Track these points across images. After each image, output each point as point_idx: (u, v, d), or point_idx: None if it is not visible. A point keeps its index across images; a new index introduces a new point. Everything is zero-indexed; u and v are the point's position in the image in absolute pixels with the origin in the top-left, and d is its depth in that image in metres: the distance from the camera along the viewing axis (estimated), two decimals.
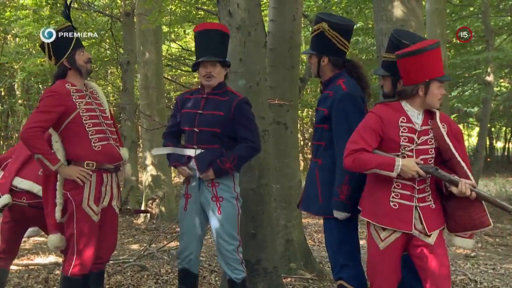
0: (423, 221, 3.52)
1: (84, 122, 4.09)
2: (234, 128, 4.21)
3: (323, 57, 4.18)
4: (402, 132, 3.55)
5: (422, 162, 3.51)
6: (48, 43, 4.17)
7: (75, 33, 4.23)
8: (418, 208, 3.54)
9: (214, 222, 4.21)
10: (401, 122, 3.56)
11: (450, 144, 3.49)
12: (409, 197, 3.55)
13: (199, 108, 4.26)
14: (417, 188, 3.55)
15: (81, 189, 4.02)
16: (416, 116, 3.57)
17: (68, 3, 4.43)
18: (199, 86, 4.42)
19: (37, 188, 4.48)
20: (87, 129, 4.09)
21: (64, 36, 4.18)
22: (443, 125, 3.52)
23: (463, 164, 3.47)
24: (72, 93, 4.11)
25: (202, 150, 4.20)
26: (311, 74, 4.47)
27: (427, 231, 3.51)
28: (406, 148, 3.54)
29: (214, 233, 4.24)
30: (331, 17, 4.25)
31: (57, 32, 4.18)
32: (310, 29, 10.87)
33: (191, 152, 4.25)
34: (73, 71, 4.18)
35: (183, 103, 4.39)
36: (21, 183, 4.50)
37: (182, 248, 4.32)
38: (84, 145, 4.06)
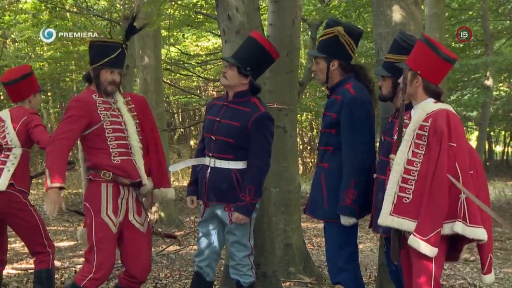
0: None
1: (107, 135, 4.02)
2: (249, 140, 4.16)
3: (334, 61, 4.19)
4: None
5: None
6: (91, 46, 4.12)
7: (118, 52, 4.07)
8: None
9: (227, 231, 4.23)
10: None
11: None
12: None
13: (218, 116, 4.22)
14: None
15: (99, 199, 3.97)
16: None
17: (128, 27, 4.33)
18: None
19: None
20: (109, 143, 4.02)
21: (107, 47, 4.07)
22: (427, 120, 3.45)
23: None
24: (98, 104, 4.04)
25: (216, 162, 4.17)
26: (319, 80, 4.43)
27: None
28: None
29: (227, 240, 4.28)
30: (343, 23, 4.28)
31: (101, 41, 4.14)
32: (309, 33, 10.87)
33: (207, 161, 4.24)
34: (94, 84, 4.11)
35: (209, 109, 4.38)
36: None
37: (197, 252, 4.36)
38: (103, 156, 4.00)
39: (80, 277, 3.96)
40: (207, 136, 4.27)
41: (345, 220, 4.06)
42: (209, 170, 4.21)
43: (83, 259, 4.10)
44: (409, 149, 3.46)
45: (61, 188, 3.82)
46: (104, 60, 4.03)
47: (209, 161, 4.21)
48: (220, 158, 4.17)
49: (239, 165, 4.17)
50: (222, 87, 4.95)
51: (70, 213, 4.55)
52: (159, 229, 4.36)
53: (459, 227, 3.31)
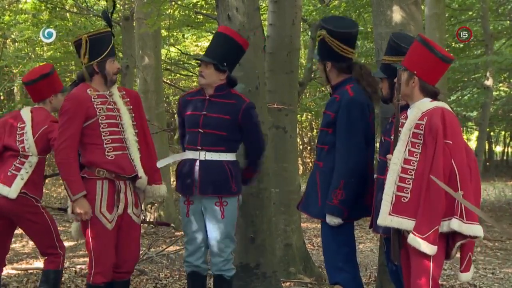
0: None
1: (102, 130, 3.98)
2: (240, 132, 4.23)
3: (326, 62, 4.24)
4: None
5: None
6: (87, 42, 4.01)
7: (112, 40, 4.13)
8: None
9: (215, 226, 4.19)
10: None
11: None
12: None
13: (203, 110, 4.21)
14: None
15: (93, 197, 3.95)
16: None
17: (110, 11, 4.37)
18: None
19: (6, 190, 4.47)
20: (103, 138, 3.98)
21: (102, 39, 4.07)
22: (423, 119, 3.43)
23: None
24: (93, 99, 3.99)
25: (207, 155, 4.16)
26: (323, 81, 4.49)
27: None
28: None
29: (213, 236, 4.21)
30: (332, 23, 4.27)
31: (97, 33, 4.08)
32: (309, 33, 10.88)
33: (195, 154, 4.21)
34: (99, 77, 4.05)
35: (185, 105, 4.36)
36: None
37: (190, 253, 4.31)
38: (97, 152, 3.97)
39: (88, 276, 4.06)
40: (192, 131, 4.25)
41: (330, 219, 4.08)
42: (198, 163, 4.18)
43: (83, 259, 4.12)
44: (406, 148, 3.46)
45: (84, 196, 3.91)
46: (107, 50, 4.04)
47: (198, 154, 4.19)
48: (211, 151, 4.16)
49: (229, 156, 4.21)
50: None
51: (56, 211, 4.63)
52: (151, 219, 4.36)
53: (455, 223, 3.30)
